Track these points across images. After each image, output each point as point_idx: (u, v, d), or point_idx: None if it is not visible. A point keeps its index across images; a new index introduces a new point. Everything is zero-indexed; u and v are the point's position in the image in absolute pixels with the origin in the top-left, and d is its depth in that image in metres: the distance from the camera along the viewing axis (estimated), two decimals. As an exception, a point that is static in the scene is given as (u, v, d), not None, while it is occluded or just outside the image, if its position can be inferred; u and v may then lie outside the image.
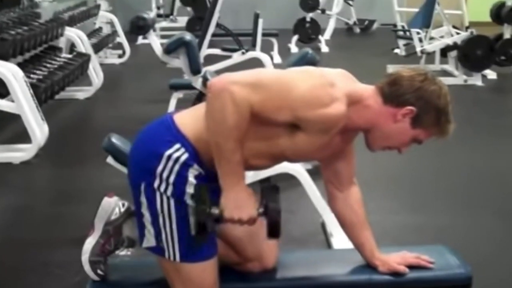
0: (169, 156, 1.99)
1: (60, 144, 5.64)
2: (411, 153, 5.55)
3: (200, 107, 2.10)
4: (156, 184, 2.00)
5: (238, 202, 1.94)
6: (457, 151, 5.44)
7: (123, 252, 2.36)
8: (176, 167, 1.99)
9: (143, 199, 2.03)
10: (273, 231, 1.98)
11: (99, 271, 2.22)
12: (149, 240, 2.07)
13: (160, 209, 2.01)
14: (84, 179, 4.68)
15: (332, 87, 1.97)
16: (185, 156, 2.00)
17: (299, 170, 3.72)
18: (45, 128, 5.48)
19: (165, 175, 1.99)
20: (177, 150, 2.00)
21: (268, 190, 2.01)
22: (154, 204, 2.01)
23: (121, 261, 2.33)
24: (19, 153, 5.32)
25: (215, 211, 1.96)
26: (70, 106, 7.16)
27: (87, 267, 2.21)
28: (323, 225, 3.67)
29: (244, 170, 2.08)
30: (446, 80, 7.98)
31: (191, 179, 2.00)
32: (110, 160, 3.13)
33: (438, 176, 4.92)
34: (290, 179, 3.80)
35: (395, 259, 2.28)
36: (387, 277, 2.26)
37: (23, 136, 5.40)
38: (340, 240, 3.36)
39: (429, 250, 2.37)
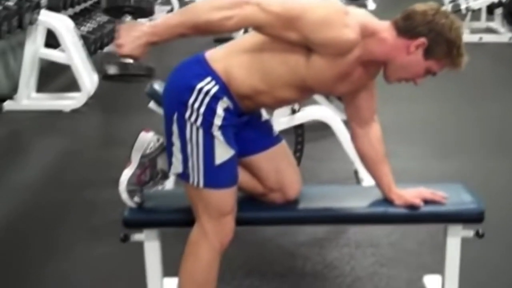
0: (201, 89, 2.14)
1: (108, 93, 5.83)
2: (445, 103, 5.68)
3: (231, 44, 2.26)
4: (187, 115, 2.15)
5: (136, 34, 2.05)
6: (492, 104, 5.52)
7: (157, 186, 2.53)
8: (207, 99, 2.14)
9: (175, 128, 2.18)
10: (109, 66, 2.09)
11: (135, 199, 2.39)
12: (176, 167, 2.23)
13: (189, 137, 2.16)
14: (129, 125, 4.85)
15: (346, 15, 2.09)
16: (215, 88, 2.15)
17: (333, 117, 3.81)
18: (95, 77, 5.70)
19: (196, 106, 2.14)
20: (208, 83, 2.15)
21: (145, 66, 2.13)
22: (184, 133, 2.16)
23: (156, 191, 2.49)
24: (70, 101, 5.57)
25: (128, 16, 2.10)
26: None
27: (124, 196, 2.37)
28: (356, 173, 3.74)
29: (272, 105, 2.33)
30: (491, 38, 7.98)
31: (220, 111, 2.15)
32: (152, 105, 3.31)
33: (468, 126, 5.05)
34: (324, 129, 3.92)
35: (411, 193, 2.40)
36: (402, 210, 2.38)
37: (74, 86, 5.64)
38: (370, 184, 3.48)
39: (445, 187, 2.48)
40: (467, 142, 4.66)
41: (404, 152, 4.32)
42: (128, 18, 2.11)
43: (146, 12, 2.18)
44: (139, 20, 2.14)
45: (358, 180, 3.71)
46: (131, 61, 2.06)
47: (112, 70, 2.11)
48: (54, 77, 6.36)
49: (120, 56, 2.07)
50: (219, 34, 2.25)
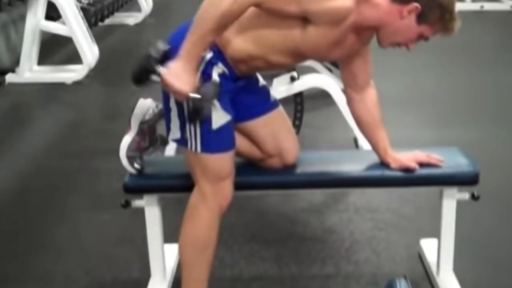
0: None
1: (109, 66, 5.87)
2: (445, 71, 5.68)
3: None
4: None
5: (179, 72, 2.05)
6: (493, 72, 5.53)
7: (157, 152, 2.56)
8: (202, 65, 2.16)
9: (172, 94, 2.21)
10: (193, 114, 2.12)
11: (135, 165, 2.43)
12: (175, 133, 2.25)
13: (186, 103, 2.18)
14: (131, 96, 4.83)
15: None
16: (210, 54, 2.17)
17: (332, 85, 3.83)
18: (95, 50, 5.72)
19: None
20: None
21: (212, 85, 2.13)
22: None
23: (155, 158, 2.52)
24: (71, 74, 5.60)
25: (159, 67, 2.08)
26: (120, 31, 7.38)
27: (124, 161, 2.42)
28: (355, 140, 3.77)
29: (265, 70, 2.30)
30: (492, 6, 7.95)
31: (215, 76, 2.17)
32: (154, 77, 3.32)
33: (468, 94, 5.06)
34: (324, 98, 3.95)
35: (407, 156, 2.43)
36: (398, 173, 2.41)
37: (75, 58, 5.67)
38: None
39: (441, 151, 2.50)
40: (467, 110, 4.68)
41: (402, 121, 4.35)
42: (160, 68, 2.10)
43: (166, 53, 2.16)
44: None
45: (357, 147, 3.74)
46: (197, 95, 2.06)
47: (200, 111, 2.09)
48: (55, 49, 6.38)
49: (189, 99, 2.08)
50: None
